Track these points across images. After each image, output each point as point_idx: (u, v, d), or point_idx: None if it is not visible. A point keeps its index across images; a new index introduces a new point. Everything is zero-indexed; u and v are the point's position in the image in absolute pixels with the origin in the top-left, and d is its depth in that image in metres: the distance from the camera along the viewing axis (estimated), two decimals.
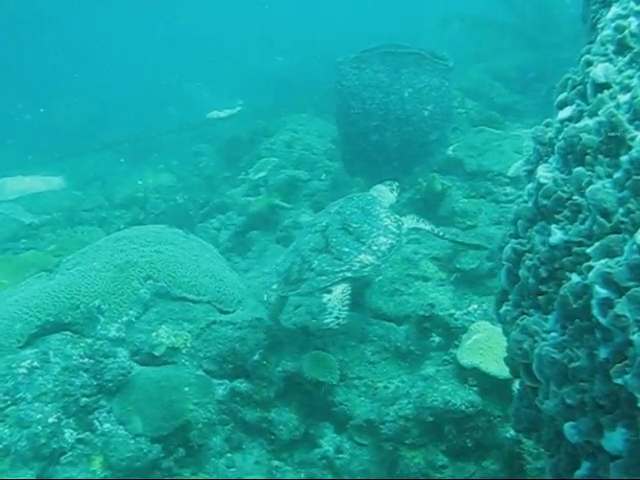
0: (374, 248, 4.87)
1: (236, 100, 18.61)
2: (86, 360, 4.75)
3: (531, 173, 2.45)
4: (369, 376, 4.94)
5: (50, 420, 4.38)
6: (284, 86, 17.47)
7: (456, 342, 4.71)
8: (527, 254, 2.20)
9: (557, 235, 2.08)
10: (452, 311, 4.98)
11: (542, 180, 2.18)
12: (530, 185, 2.37)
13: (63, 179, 12.46)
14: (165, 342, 5.11)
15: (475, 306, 4.95)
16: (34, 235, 8.52)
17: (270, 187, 8.50)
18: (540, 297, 2.13)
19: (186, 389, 4.69)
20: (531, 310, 2.17)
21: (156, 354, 5.05)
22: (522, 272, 2.18)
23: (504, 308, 2.29)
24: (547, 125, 2.41)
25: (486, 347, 4.35)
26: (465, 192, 7.35)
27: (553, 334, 2.04)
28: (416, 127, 7.69)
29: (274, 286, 4.92)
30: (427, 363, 4.90)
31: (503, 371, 4.11)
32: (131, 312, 5.26)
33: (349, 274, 4.70)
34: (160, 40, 27.10)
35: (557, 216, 2.11)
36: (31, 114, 19.28)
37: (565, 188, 2.11)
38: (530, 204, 2.29)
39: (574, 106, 2.25)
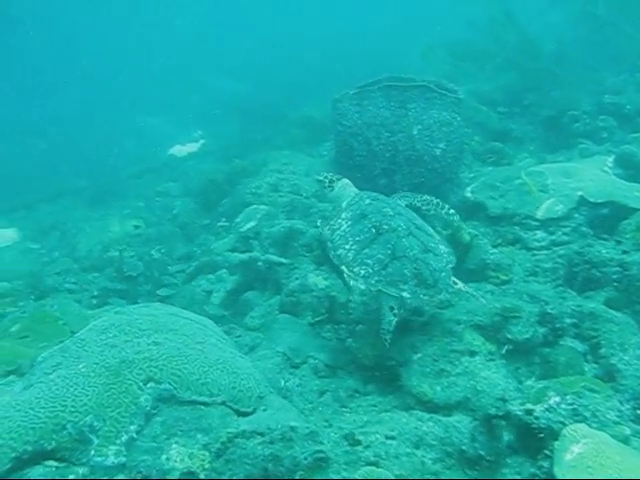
0: (436, 238, 5.44)
1: (195, 130, 17.70)
2: None
3: None
4: None
5: None
6: (246, 114, 16.53)
7: (547, 451, 3.82)
8: None
9: None
10: (529, 406, 4.09)
11: None
12: None
13: (16, 231, 11.28)
14: (178, 466, 4.10)
15: (557, 398, 4.07)
16: None
17: (264, 240, 7.56)
18: None
19: None
20: None
21: None
22: None
23: None
24: None
25: (596, 465, 3.48)
26: (491, 239, 6.56)
27: None
28: (428, 168, 6.93)
29: (405, 294, 4.95)
30: (505, 473, 4.00)
31: None
32: (132, 427, 4.22)
33: (450, 265, 5.22)
34: (109, 70, 25.89)
35: None
36: None
37: None
38: None
39: None
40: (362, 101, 6.97)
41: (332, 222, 5.61)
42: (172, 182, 12.87)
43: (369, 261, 5.10)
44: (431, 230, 5.48)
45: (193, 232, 9.73)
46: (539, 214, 6.61)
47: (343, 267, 5.24)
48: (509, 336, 5.11)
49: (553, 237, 6.47)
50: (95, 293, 7.82)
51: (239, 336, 6.35)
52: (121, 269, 8.08)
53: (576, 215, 6.57)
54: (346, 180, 6.02)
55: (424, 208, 6.09)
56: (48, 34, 29.04)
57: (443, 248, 5.31)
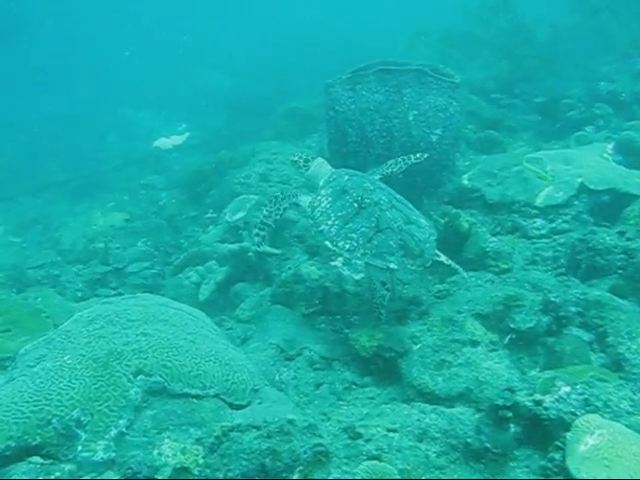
0: (416, 211, 5.36)
1: (179, 124, 17.46)
2: None
3: None
4: None
5: None
6: (233, 107, 16.29)
7: (558, 443, 3.64)
8: None
9: None
10: (537, 396, 3.91)
11: None
12: None
13: None
14: (171, 461, 3.89)
15: (567, 388, 3.90)
16: None
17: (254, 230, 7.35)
18: None
19: None
20: None
21: (159, 479, 3.83)
22: None
23: None
24: None
25: (612, 457, 3.30)
26: (489, 228, 6.40)
27: None
28: None
29: (392, 265, 4.90)
30: (513, 467, 3.83)
31: None
32: (121, 421, 3.99)
33: (433, 237, 5.16)
34: (94, 63, 25.51)
35: None
36: None
37: None
38: None
39: None
40: (355, 86, 6.75)
41: (311, 200, 5.56)
42: (157, 175, 12.65)
43: (353, 235, 5.06)
44: (411, 205, 5.41)
45: (180, 224, 9.49)
46: (538, 201, 6.45)
47: (327, 242, 5.19)
48: (512, 325, 4.94)
49: (553, 225, 6.32)
50: (79, 285, 7.57)
51: (230, 328, 6.16)
52: (107, 261, 7.84)
53: (576, 202, 6.43)
54: (321, 159, 5.95)
55: (396, 170, 6.00)
56: (36, 29, 28.64)
57: (424, 221, 5.27)
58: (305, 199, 5.65)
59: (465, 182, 6.92)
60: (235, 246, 7.20)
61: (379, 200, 5.18)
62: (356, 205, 5.19)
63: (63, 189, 13.21)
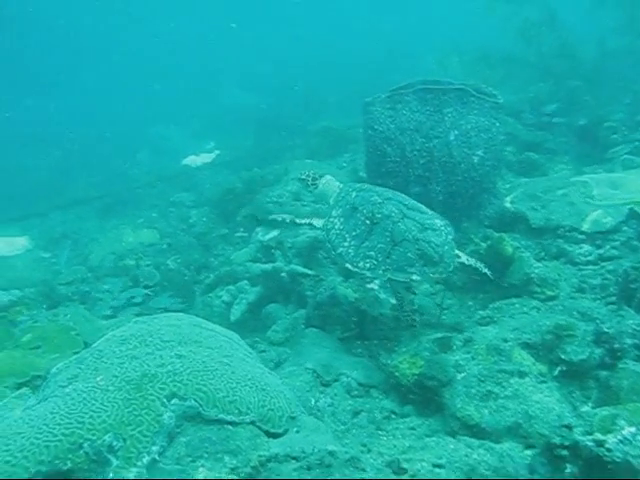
0: (429, 213, 5.38)
1: (208, 142, 17.47)
2: None
3: None
4: None
5: None
6: (261, 126, 16.25)
7: None
8: None
9: None
10: (598, 436, 3.66)
11: None
12: None
13: (28, 239, 10.96)
14: None
15: (631, 429, 3.63)
16: (1, 318, 6.99)
17: (287, 250, 7.17)
18: None
19: None
20: None
21: None
22: None
23: None
24: None
25: None
26: (533, 253, 6.16)
27: None
28: (465, 176, 6.55)
29: (414, 276, 4.97)
30: None
31: None
32: (154, 447, 3.80)
33: (450, 237, 5.24)
34: (123, 80, 25.76)
35: None
36: None
37: None
38: None
39: None
40: (395, 105, 6.59)
41: (324, 222, 5.55)
42: (186, 192, 12.61)
43: (371, 253, 5.12)
44: (424, 207, 5.44)
45: (210, 242, 9.37)
46: (585, 226, 6.21)
47: (347, 265, 5.26)
48: (563, 356, 4.68)
49: (601, 251, 6.06)
50: (110, 302, 7.44)
51: (263, 350, 5.94)
52: (137, 278, 7.71)
53: (625, 228, 6.17)
54: (329, 176, 5.93)
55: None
56: (67, 43, 29.08)
57: (439, 222, 5.30)
58: (318, 222, 5.62)
59: (508, 205, 6.70)
60: (268, 266, 7.03)
61: (390, 213, 5.20)
62: (368, 222, 5.23)
63: (93, 205, 13.21)
